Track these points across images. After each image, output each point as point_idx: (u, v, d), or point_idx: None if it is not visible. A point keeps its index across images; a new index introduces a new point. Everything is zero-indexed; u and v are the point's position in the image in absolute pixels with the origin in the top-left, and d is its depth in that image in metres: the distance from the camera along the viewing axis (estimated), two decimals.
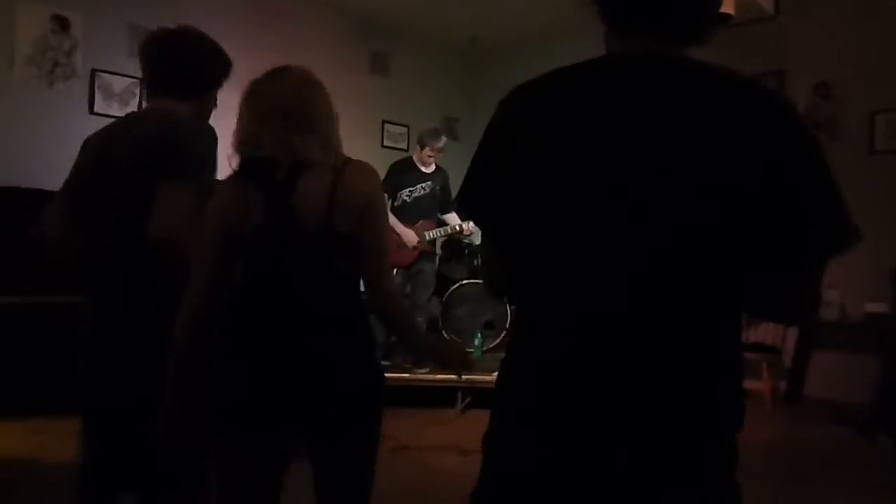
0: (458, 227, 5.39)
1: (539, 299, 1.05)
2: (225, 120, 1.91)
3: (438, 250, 5.90)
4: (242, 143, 1.59)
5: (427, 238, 5.30)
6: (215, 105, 1.95)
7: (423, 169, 5.33)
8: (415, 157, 5.40)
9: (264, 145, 1.54)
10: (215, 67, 1.90)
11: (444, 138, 5.35)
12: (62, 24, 5.17)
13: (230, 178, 1.60)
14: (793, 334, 5.33)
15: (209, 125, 1.83)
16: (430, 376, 4.79)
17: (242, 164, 1.59)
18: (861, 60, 5.21)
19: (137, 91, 5.41)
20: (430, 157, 5.29)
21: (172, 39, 1.87)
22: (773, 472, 3.65)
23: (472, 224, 5.32)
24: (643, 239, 0.95)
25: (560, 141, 1.01)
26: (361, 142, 6.02)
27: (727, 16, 5.23)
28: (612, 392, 0.96)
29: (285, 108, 1.56)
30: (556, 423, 0.99)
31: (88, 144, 1.87)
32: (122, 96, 5.40)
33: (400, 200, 5.30)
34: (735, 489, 1.02)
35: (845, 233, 0.95)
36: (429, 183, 5.33)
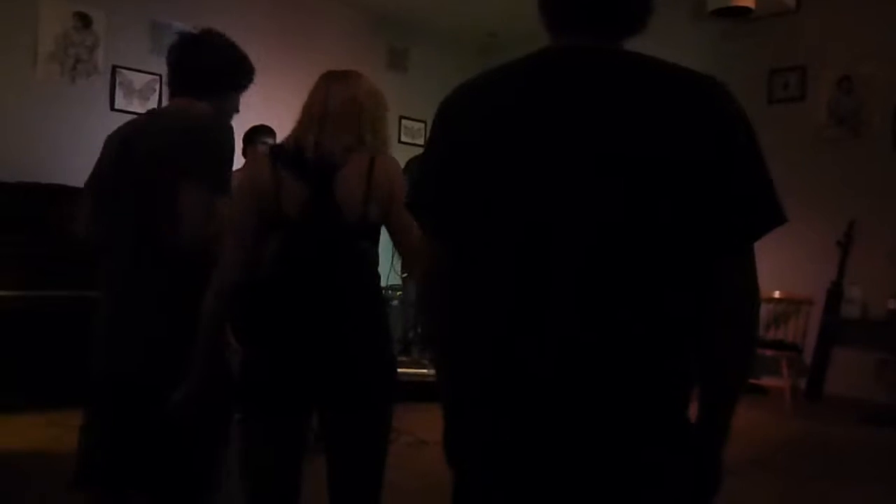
0: None
1: (482, 294, 1.05)
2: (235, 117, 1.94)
3: None
4: (295, 133, 1.68)
5: None
6: (237, 109, 1.97)
7: None
8: None
9: (313, 142, 1.63)
10: (236, 71, 1.92)
11: None
12: (84, 20, 5.22)
13: (263, 160, 1.66)
14: (813, 332, 5.27)
15: (226, 121, 1.85)
16: None
17: (280, 150, 1.67)
18: (884, 55, 5.14)
19: (157, 87, 5.46)
20: None
21: (195, 41, 1.90)
22: (793, 469, 3.63)
23: None
24: (588, 226, 0.97)
25: (504, 133, 1.03)
26: None
27: (747, 10, 5.18)
28: (560, 382, 0.97)
29: (341, 110, 1.66)
30: (508, 407, 1.01)
31: (109, 142, 1.89)
32: (142, 93, 5.45)
33: None
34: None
35: (770, 213, 0.98)
36: None
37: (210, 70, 1.87)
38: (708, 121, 0.96)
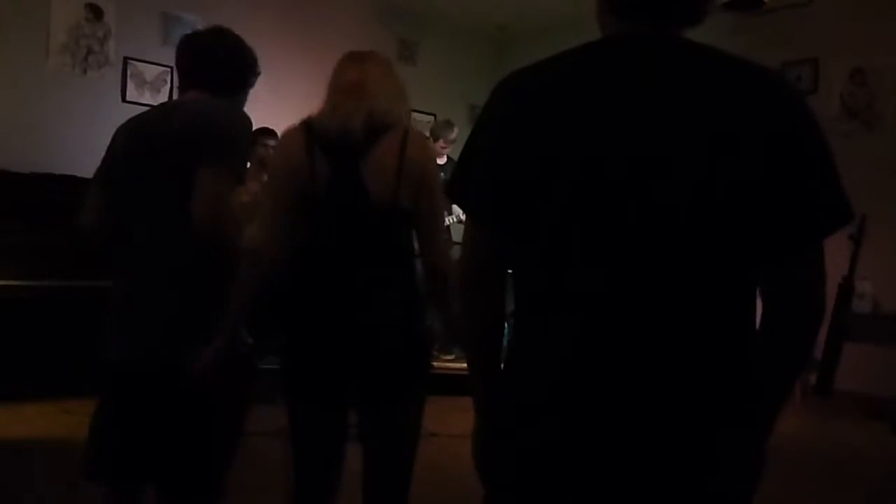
0: None
1: (548, 288, 1.03)
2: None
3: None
4: (321, 112, 1.69)
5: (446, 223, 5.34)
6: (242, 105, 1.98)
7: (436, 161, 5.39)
8: None
9: (340, 114, 1.63)
10: (246, 69, 1.94)
11: (456, 129, 5.48)
12: (96, 12, 5.24)
13: (295, 139, 1.67)
14: (823, 327, 5.24)
15: (244, 112, 1.86)
16: (456, 364, 4.80)
17: (310, 128, 1.67)
18: None
19: (169, 79, 5.47)
20: (444, 148, 5.43)
21: (207, 39, 1.93)
22: (801, 464, 3.62)
23: None
24: (654, 220, 0.96)
25: (569, 125, 1.01)
26: None
27: (759, 2, 5.14)
28: (629, 378, 0.97)
29: (363, 84, 1.67)
30: (574, 412, 0.99)
31: (120, 134, 1.90)
32: (153, 84, 5.47)
33: None
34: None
35: (841, 210, 0.97)
36: (441, 174, 5.36)
37: (223, 67, 1.89)
38: (782, 113, 0.95)
